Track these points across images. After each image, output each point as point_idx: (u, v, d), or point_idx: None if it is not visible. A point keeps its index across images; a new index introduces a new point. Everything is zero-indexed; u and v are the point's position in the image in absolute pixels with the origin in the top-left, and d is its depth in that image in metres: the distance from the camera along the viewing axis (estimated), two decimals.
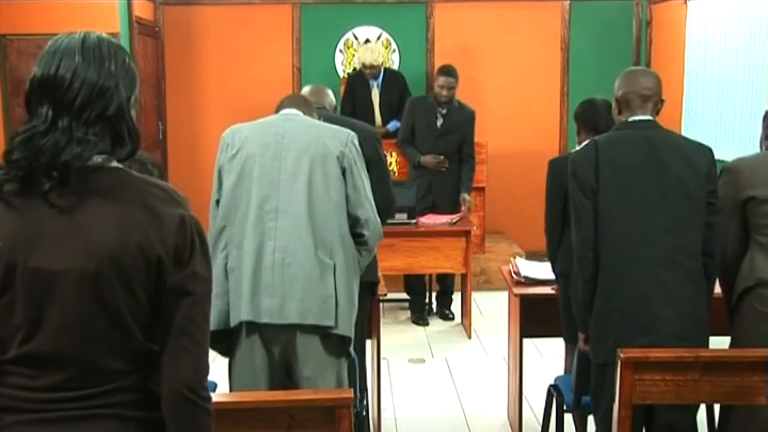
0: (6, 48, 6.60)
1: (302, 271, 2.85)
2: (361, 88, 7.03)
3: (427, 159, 6.12)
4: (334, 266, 2.90)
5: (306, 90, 3.97)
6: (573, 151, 3.68)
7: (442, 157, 6.09)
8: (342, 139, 3.01)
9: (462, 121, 6.13)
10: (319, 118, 3.32)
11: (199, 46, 7.96)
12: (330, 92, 3.95)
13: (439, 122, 6.12)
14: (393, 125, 6.94)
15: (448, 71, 6.06)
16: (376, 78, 6.94)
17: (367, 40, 7.95)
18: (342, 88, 7.80)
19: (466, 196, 6.11)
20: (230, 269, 2.92)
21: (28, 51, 6.59)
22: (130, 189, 1.67)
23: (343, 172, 2.95)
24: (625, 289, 2.89)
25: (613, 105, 3.12)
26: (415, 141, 6.23)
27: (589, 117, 3.72)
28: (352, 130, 3.52)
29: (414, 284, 6.29)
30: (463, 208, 6.06)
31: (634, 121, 3.00)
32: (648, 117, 3.01)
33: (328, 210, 2.91)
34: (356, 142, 3.04)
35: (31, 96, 1.69)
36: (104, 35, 1.74)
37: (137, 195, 1.66)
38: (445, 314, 6.30)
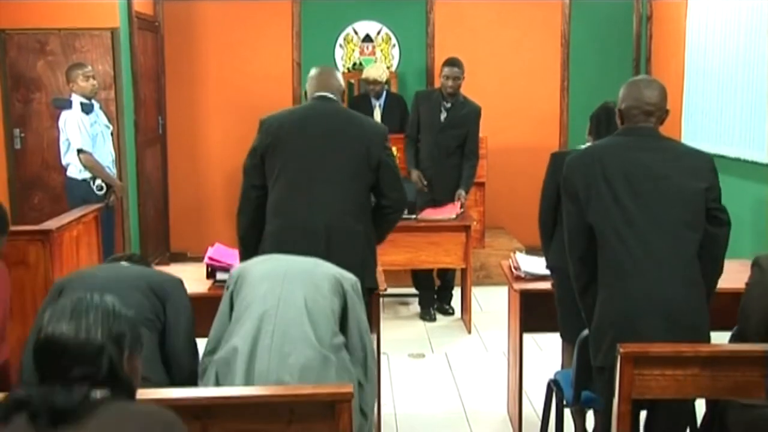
0: (6, 43, 6.59)
1: (301, 358, 2.63)
2: (363, 109, 7.13)
3: (414, 176, 6.17)
4: (336, 364, 2.70)
5: (313, 74, 3.80)
6: (578, 147, 3.69)
7: (425, 182, 6.11)
8: (340, 290, 2.85)
9: (466, 115, 6.11)
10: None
11: (199, 41, 7.96)
12: (338, 75, 3.83)
13: (443, 116, 6.11)
14: None
15: (452, 62, 6.09)
16: (378, 97, 7.05)
17: (367, 36, 7.95)
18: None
19: (462, 192, 6.09)
20: (218, 360, 2.69)
21: (28, 46, 6.59)
22: (127, 422, 1.75)
23: (343, 308, 2.85)
24: (620, 299, 2.85)
25: (617, 115, 3.08)
26: (420, 134, 6.23)
27: (601, 122, 3.69)
28: (360, 126, 3.63)
29: (423, 279, 6.30)
30: (456, 202, 6.04)
31: (635, 128, 2.99)
32: (649, 125, 2.99)
33: (326, 323, 2.75)
34: (358, 287, 2.93)
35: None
36: (108, 300, 1.87)
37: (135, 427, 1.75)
38: (445, 309, 6.31)
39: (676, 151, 3.00)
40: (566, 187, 3.00)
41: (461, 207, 6.05)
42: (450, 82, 6.03)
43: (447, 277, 6.32)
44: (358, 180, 3.57)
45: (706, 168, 2.94)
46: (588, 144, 3.66)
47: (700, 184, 2.89)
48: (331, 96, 3.70)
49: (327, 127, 3.62)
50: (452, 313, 6.28)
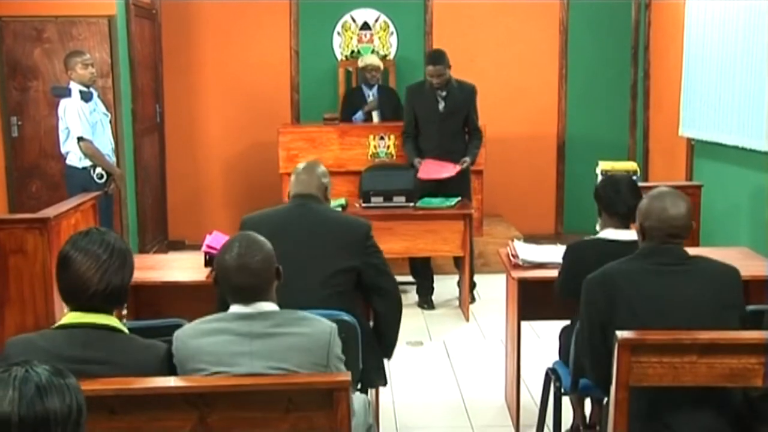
0: (2, 30, 6.57)
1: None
2: (357, 100, 7.25)
3: (416, 163, 6.13)
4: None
5: (295, 173, 3.61)
6: (593, 235, 3.60)
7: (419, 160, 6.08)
8: (322, 359, 2.47)
9: (464, 99, 6.09)
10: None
11: (196, 29, 7.93)
12: (320, 171, 3.59)
13: (441, 105, 6.08)
14: (359, 116, 7.18)
15: (434, 59, 6.02)
16: (372, 87, 7.19)
17: (365, 24, 7.93)
18: (340, 71, 7.84)
19: (467, 159, 6.04)
20: None
21: (24, 33, 6.57)
22: None
23: None
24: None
25: (638, 230, 2.93)
26: (419, 128, 6.20)
27: (610, 198, 3.51)
28: (344, 225, 3.45)
29: (420, 268, 6.29)
30: (458, 165, 5.99)
31: (658, 250, 2.84)
32: (674, 246, 2.85)
33: None
34: (337, 349, 2.52)
35: None
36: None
37: None
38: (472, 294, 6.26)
39: (704, 273, 2.84)
40: (589, 315, 2.88)
41: (462, 167, 6.00)
42: (435, 80, 5.99)
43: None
44: (341, 275, 3.37)
45: (737, 287, 2.84)
46: (600, 231, 3.56)
47: (733, 305, 2.82)
48: (312, 194, 3.50)
49: (306, 234, 3.39)
50: (474, 286, 6.26)
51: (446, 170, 5.96)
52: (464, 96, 6.10)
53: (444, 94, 6.06)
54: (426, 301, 6.25)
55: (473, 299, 6.25)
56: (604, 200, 3.51)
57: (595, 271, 3.25)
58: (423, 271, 6.30)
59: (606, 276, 2.88)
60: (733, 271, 2.88)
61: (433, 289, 6.33)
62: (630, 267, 2.87)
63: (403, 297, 6.36)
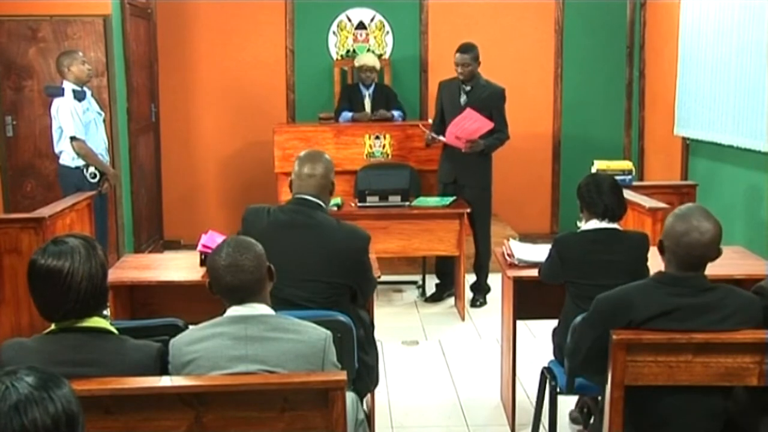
0: None
1: None
2: (354, 98, 7.24)
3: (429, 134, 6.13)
4: None
5: (297, 168, 3.45)
6: (577, 227, 3.66)
7: (434, 136, 6.05)
8: (317, 366, 2.46)
9: (488, 98, 6.02)
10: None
11: (191, 28, 7.92)
12: (325, 163, 3.45)
13: (462, 99, 6.04)
14: (346, 116, 7.15)
15: (461, 48, 6.00)
16: (369, 86, 7.19)
17: (361, 23, 7.93)
18: (336, 71, 7.84)
19: (480, 141, 5.94)
20: None
21: (18, 32, 6.55)
22: None
23: None
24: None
25: (658, 245, 2.76)
26: (444, 122, 6.11)
27: (592, 198, 3.54)
28: (342, 234, 3.32)
29: (447, 266, 6.26)
30: (468, 143, 5.93)
31: (678, 278, 2.69)
32: (694, 275, 2.69)
33: None
34: (332, 356, 2.52)
35: None
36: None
37: None
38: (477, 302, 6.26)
39: (724, 305, 2.67)
40: (593, 327, 2.79)
41: (470, 144, 5.92)
42: (459, 69, 5.96)
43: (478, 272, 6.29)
44: (331, 289, 3.30)
45: (755, 316, 2.69)
46: (582, 225, 3.62)
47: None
48: (312, 200, 3.37)
49: (301, 243, 3.28)
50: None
51: (456, 138, 5.91)
52: (489, 96, 6.03)
53: (468, 88, 6.03)
54: (439, 298, 6.31)
55: (484, 302, 6.23)
56: (586, 199, 3.59)
57: (580, 254, 3.48)
58: (446, 269, 6.29)
59: (621, 297, 2.75)
60: (754, 302, 2.72)
61: (451, 284, 6.31)
62: (646, 293, 2.72)
63: (399, 296, 6.44)
